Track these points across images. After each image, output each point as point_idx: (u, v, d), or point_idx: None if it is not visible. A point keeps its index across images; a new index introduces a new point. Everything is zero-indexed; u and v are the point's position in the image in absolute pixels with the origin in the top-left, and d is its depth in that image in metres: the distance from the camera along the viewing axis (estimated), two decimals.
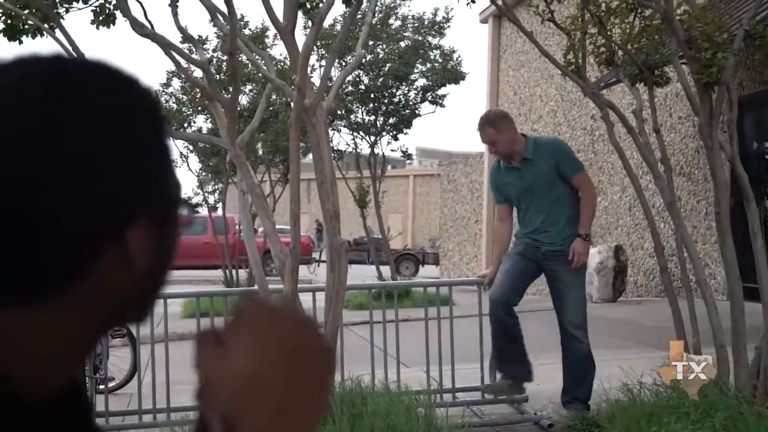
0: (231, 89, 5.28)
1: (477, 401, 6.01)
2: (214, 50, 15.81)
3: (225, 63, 14.90)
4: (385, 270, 16.83)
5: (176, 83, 17.28)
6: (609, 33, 5.89)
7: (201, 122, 17.45)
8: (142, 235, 0.74)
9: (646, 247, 14.25)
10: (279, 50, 20.38)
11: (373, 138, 16.88)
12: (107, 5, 6.40)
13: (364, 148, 17.24)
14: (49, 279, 0.71)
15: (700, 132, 5.47)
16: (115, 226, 0.73)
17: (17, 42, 6.28)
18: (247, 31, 15.59)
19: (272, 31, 16.29)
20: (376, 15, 14.79)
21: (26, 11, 6.09)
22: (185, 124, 16.96)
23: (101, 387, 6.19)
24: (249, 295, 0.73)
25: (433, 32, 16.99)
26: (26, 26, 6.24)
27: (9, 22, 6.21)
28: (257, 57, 5.91)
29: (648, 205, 5.90)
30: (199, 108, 16.56)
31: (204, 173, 19.23)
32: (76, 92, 0.73)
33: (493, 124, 5.63)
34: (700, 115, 5.24)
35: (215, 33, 16.18)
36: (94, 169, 0.71)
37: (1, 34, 6.26)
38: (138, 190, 0.74)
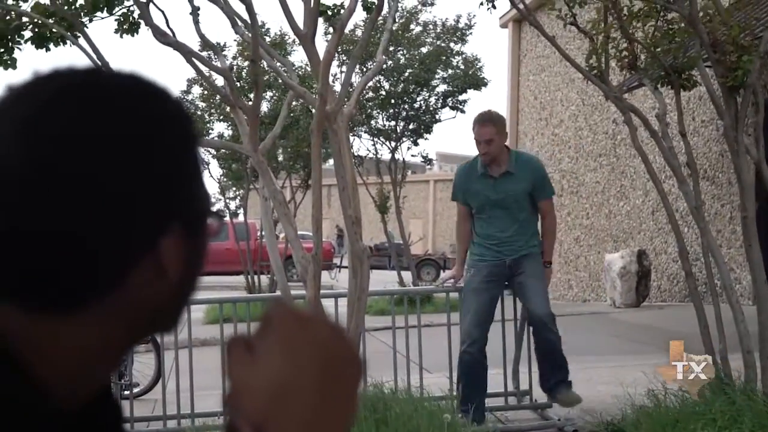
0: (253, 96, 5.29)
1: (500, 407, 5.99)
2: (234, 57, 15.88)
3: (246, 70, 14.96)
4: (407, 275, 16.81)
5: (196, 90, 17.37)
6: (632, 36, 5.86)
7: (221, 129, 17.52)
8: (173, 245, 0.75)
9: (670, 252, 14.15)
10: (299, 57, 20.46)
11: (393, 143, 16.88)
12: (130, 14, 6.46)
13: (385, 154, 17.24)
14: (84, 288, 0.72)
15: (725, 136, 5.43)
16: (148, 236, 0.74)
17: (44, 50, 6.37)
18: (267, 38, 15.65)
19: (292, 38, 16.36)
20: (397, 21, 14.79)
21: (52, 20, 6.15)
22: (206, 132, 17.03)
23: (126, 393, 6.22)
24: (279, 302, 0.73)
25: (455, 38, 16.95)
26: (52, 34, 6.31)
27: (36, 30, 6.29)
28: (278, 64, 5.93)
29: (672, 210, 5.86)
30: (221, 116, 16.63)
31: (225, 179, 19.30)
32: (110, 106, 0.74)
33: (495, 123, 5.55)
34: (725, 118, 5.19)
35: (234, 40, 16.26)
36: (129, 182, 0.72)
37: (30, 42, 6.34)
38: (170, 201, 0.76)
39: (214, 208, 0.83)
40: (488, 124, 5.49)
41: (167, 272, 0.75)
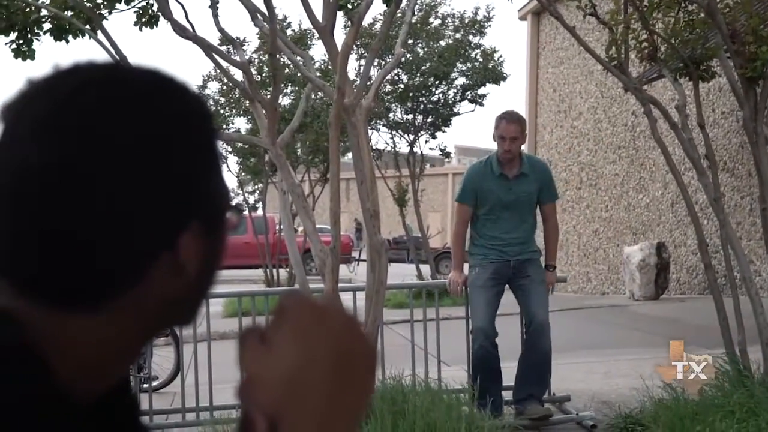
0: (271, 89, 5.31)
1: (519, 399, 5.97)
2: (254, 51, 15.92)
3: (265, 64, 15.00)
4: (425, 268, 16.81)
5: (213, 86, 17.44)
6: (652, 27, 5.83)
7: (240, 124, 17.58)
8: (192, 241, 0.76)
9: (689, 244, 14.07)
10: (318, 50, 20.47)
11: (411, 136, 16.86)
12: (149, 7, 6.50)
13: (403, 147, 17.23)
14: (103, 285, 0.73)
15: (744, 127, 5.40)
16: (167, 233, 0.75)
17: (64, 41, 6.41)
18: (289, 32, 15.67)
19: (312, 32, 16.37)
20: (415, 14, 14.76)
21: (70, 13, 6.20)
22: (224, 126, 17.09)
23: (145, 386, 6.26)
24: (293, 293, 0.73)
25: (474, 31, 16.90)
26: (71, 25, 6.35)
27: (55, 22, 6.34)
28: (298, 57, 5.94)
29: (691, 202, 5.83)
30: (240, 111, 16.68)
31: (243, 173, 19.36)
32: (130, 103, 0.74)
33: (521, 124, 5.61)
34: (744, 109, 5.16)
35: (256, 34, 16.29)
36: (148, 179, 0.73)
37: (48, 33, 6.39)
38: (189, 198, 0.76)
39: (233, 203, 0.83)
40: (515, 122, 5.53)
41: (186, 269, 0.76)
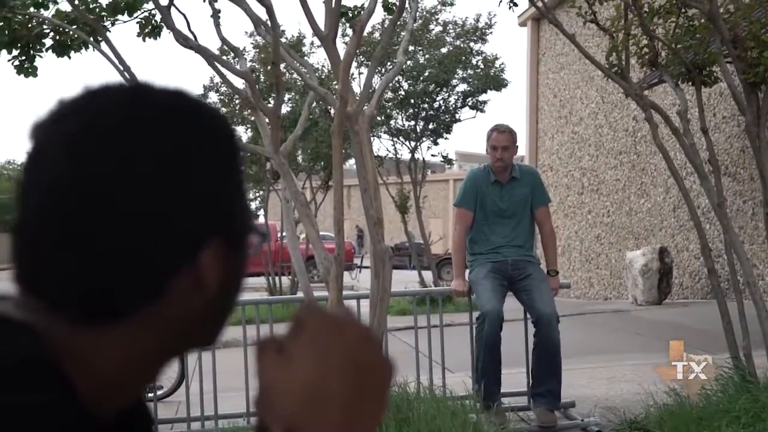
0: (274, 98, 5.32)
1: (523, 407, 5.97)
2: (252, 60, 15.94)
3: (264, 73, 15.02)
4: (427, 275, 16.80)
5: (212, 97, 17.48)
6: (652, 33, 5.84)
7: (240, 133, 17.60)
8: (213, 259, 0.76)
9: (692, 249, 14.07)
10: (316, 58, 20.47)
11: (413, 143, 16.88)
12: (152, 18, 6.52)
13: (404, 154, 17.25)
14: (124, 300, 0.74)
15: (747, 131, 5.40)
16: (188, 250, 0.75)
17: (66, 57, 6.43)
18: (283, 40, 15.70)
19: (309, 40, 16.41)
20: (416, 21, 14.78)
21: (74, 26, 6.22)
22: None
23: (150, 395, 6.26)
24: (309, 305, 0.74)
25: (475, 38, 16.92)
26: (73, 41, 6.37)
27: (57, 38, 6.35)
28: (299, 66, 5.95)
29: (694, 207, 5.83)
30: (240, 120, 16.71)
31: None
32: (155, 124, 0.75)
33: (514, 136, 5.85)
34: (746, 114, 5.17)
35: (251, 43, 16.33)
36: (172, 198, 0.74)
37: (50, 50, 6.40)
38: (212, 216, 0.77)
39: (256, 225, 0.84)
40: (506, 132, 5.80)
41: (206, 285, 0.76)
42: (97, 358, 0.74)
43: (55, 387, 0.70)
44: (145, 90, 0.80)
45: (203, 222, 0.76)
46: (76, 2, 5.89)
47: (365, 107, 5.12)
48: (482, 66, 16.85)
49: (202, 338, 0.83)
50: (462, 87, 16.89)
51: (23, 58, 6.44)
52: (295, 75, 12.27)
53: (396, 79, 15.82)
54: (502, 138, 5.73)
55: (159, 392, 6.80)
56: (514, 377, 6.22)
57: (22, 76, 6.55)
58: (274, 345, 0.70)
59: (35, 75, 6.56)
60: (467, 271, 5.94)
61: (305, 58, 15.51)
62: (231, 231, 0.79)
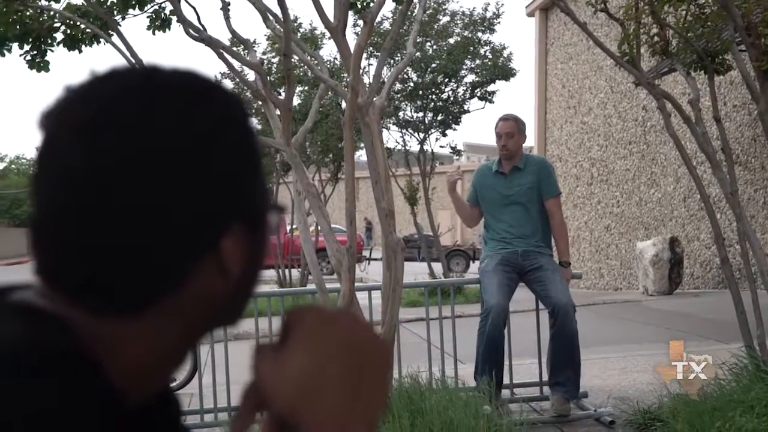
0: (284, 90, 5.31)
1: (536, 397, 5.97)
2: (263, 53, 15.94)
3: (276, 65, 15.00)
4: (437, 267, 16.80)
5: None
6: (663, 21, 5.81)
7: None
8: (235, 242, 0.75)
9: (702, 239, 14.03)
10: (325, 50, 20.43)
11: (421, 135, 16.85)
12: (162, 11, 6.51)
13: (413, 145, 17.22)
14: (148, 289, 0.73)
15: (760, 119, 5.37)
16: (210, 234, 0.74)
17: (77, 51, 6.43)
18: (298, 33, 15.69)
19: (321, 31, 16.38)
20: (425, 12, 14.73)
21: (85, 20, 6.22)
22: None
23: None
24: (300, 306, 0.74)
25: (483, 28, 16.86)
26: (84, 35, 6.37)
27: (68, 32, 6.35)
28: (310, 58, 5.94)
29: (706, 196, 5.81)
30: (252, 111, 16.71)
31: None
32: (169, 107, 0.74)
33: (519, 123, 5.89)
34: (759, 102, 5.14)
35: (265, 35, 16.31)
36: (190, 183, 0.73)
37: (61, 44, 6.40)
38: (231, 199, 0.76)
39: (275, 203, 0.83)
40: (510, 120, 5.86)
41: (229, 270, 0.75)
42: (123, 346, 0.74)
43: (91, 378, 0.70)
44: (155, 72, 0.77)
45: (223, 206, 0.75)
46: None
47: (375, 99, 5.10)
48: (490, 56, 16.80)
49: (226, 320, 0.83)
50: (470, 78, 16.85)
51: (35, 52, 6.44)
52: (306, 67, 12.25)
53: (405, 70, 15.79)
54: (505, 126, 5.80)
55: (172, 384, 6.81)
56: (527, 368, 6.22)
57: (34, 71, 6.55)
58: (270, 347, 0.71)
59: (47, 70, 6.55)
60: (478, 262, 5.97)
61: (318, 50, 15.50)
62: (251, 212, 0.78)
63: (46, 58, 6.46)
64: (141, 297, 0.73)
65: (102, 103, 0.73)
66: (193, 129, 0.74)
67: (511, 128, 5.79)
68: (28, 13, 6.25)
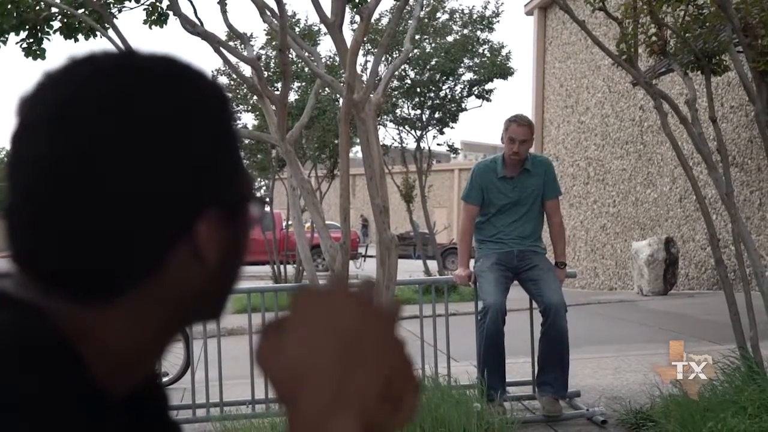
0: (281, 85, 5.30)
1: (528, 396, 5.97)
2: (261, 47, 15.91)
3: (273, 60, 14.97)
4: (432, 264, 16.80)
5: (221, 81, 17.45)
6: (662, 21, 5.80)
7: (247, 120, 17.59)
8: (211, 229, 0.74)
9: (698, 239, 14.05)
10: (323, 46, 20.41)
11: (419, 132, 16.85)
12: (159, 5, 6.49)
13: (410, 143, 17.23)
14: (122, 273, 0.72)
15: (756, 121, 5.37)
16: (184, 219, 0.73)
17: (73, 40, 6.41)
18: (296, 29, 15.67)
19: (318, 27, 16.35)
20: (423, 9, 14.72)
21: (81, 11, 6.20)
22: None
23: None
24: (304, 287, 0.72)
25: (482, 26, 16.86)
26: (81, 25, 6.35)
27: (65, 21, 6.34)
28: (306, 53, 5.93)
29: (702, 197, 5.81)
30: (247, 107, 16.68)
31: (250, 169, 19.35)
32: (144, 89, 0.73)
33: (531, 127, 5.73)
34: (756, 103, 5.14)
35: (264, 30, 16.29)
36: (164, 166, 0.72)
37: (58, 32, 6.39)
38: (206, 184, 0.75)
39: (257, 195, 0.82)
40: (525, 125, 5.62)
41: (205, 256, 0.74)
42: (101, 335, 0.73)
43: (73, 369, 0.69)
44: (131, 56, 0.77)
45: (197, 190, 0.74)
46: None
47: (372, 95, 5.10)
48: (488, 54, 16.79)
49: (208, 311, 0.82)
50: (468, 76, 16.85)
51: (31, 40, 6.43)
52: (302, 63, 12.24)
53: (402, 67, 15.79)
54: (520, 131, 5.55)
55: (165, 379, 6.81)
56: (520, 366, 6.21)
57: (30, 58, 6.54)
58: (274, 330, 0.69)
59: (43, 57, 6.54)
60: (473, 261, 5.93)
61: (316, 46, 15.48)
62: (227, 199, 0.77)
63: (43, 46, 6.45)
64: (116, 283, 0.72)
65: (72, 88, 0.72)
66: (166, 113, 0.73)
67: (526, 135, 5.56)
68: (25, 2, 6.23)
